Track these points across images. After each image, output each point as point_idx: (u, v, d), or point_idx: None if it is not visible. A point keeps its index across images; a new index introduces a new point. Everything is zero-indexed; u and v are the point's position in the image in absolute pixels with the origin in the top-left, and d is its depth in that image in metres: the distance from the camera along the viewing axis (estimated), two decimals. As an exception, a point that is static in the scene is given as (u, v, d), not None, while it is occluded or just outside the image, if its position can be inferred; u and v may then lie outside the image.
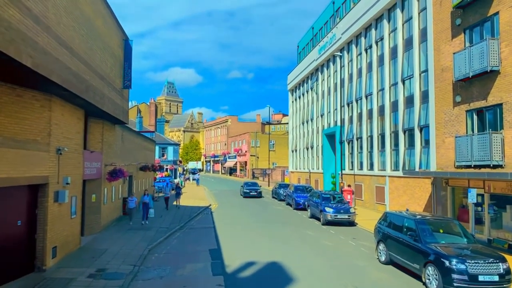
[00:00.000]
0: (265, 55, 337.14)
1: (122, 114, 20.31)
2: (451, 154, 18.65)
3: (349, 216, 21.93)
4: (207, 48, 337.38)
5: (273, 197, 38.01)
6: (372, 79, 29.01)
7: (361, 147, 30.68)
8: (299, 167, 49.02)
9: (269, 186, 54.77)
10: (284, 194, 34.24)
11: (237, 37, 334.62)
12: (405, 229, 12.94)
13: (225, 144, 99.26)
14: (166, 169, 68.29)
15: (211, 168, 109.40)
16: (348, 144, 33.25)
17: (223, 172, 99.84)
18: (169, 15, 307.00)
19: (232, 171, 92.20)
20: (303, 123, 47.59)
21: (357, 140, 31.72)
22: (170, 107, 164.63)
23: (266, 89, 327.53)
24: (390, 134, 26.36)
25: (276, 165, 75.21)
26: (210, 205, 31.22)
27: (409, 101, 24.10)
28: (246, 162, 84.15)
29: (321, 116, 40.64)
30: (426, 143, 21.96)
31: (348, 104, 33.53)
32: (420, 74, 22.94)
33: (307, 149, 45.46)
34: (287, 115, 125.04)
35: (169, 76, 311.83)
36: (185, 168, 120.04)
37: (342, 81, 34.59)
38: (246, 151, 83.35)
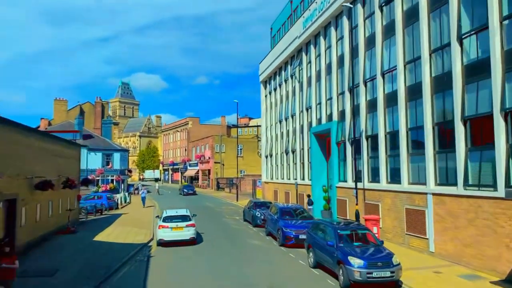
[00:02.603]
0: (232, 62, 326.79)
1: None
2: None
3: (392, 273, 12.09)
4: (173, 54, 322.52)
5: (246, 220, 27.63)
6: (396, 47, 19.46)
7: (376, 149, 21.11)
8: (275, 177, 39.06)
9: (237, 200, 44.30)
10: (262, 217, 24.12)
11: (204, 43, 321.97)
12: None
13: (185, 150, 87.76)
14: (112, 180, 56.49)
15: (170, 178, 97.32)
16: (352, 145, 23.61)
17: (183, 182, 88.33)
18: (135, 19, 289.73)
19: (193, 180, 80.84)
20: (281, 121, 37.67)
21: (367, 139, 22.17)
22: (125, 110, 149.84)
23: (233, 95, 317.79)
24: (434, 127, 16.87)
25: (245, 173, 65.00)
26: (151, 240, 20.45)
27: (475, 71, 14.72)
28: (209, 170, 73.34)
29: (307, 110, 30.94)
30: (523, 138, 12.62)
31: (351, 90, 23.82)
32: (501, 22, 13.64)
33: (287, 153, 35.58)
34: (255, 119, 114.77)
35: (131, 81, 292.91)
36: (142, 178, 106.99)
37: (340, 58, 25.09)
38: (209, 158, 72.56)
